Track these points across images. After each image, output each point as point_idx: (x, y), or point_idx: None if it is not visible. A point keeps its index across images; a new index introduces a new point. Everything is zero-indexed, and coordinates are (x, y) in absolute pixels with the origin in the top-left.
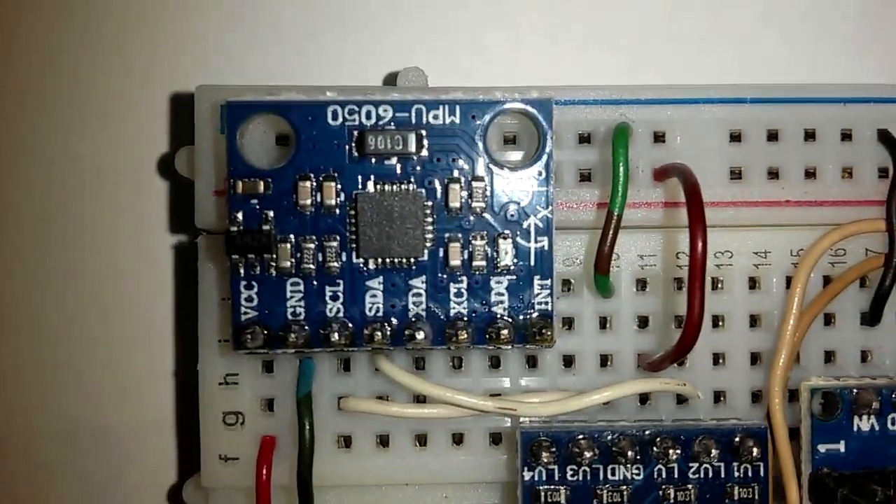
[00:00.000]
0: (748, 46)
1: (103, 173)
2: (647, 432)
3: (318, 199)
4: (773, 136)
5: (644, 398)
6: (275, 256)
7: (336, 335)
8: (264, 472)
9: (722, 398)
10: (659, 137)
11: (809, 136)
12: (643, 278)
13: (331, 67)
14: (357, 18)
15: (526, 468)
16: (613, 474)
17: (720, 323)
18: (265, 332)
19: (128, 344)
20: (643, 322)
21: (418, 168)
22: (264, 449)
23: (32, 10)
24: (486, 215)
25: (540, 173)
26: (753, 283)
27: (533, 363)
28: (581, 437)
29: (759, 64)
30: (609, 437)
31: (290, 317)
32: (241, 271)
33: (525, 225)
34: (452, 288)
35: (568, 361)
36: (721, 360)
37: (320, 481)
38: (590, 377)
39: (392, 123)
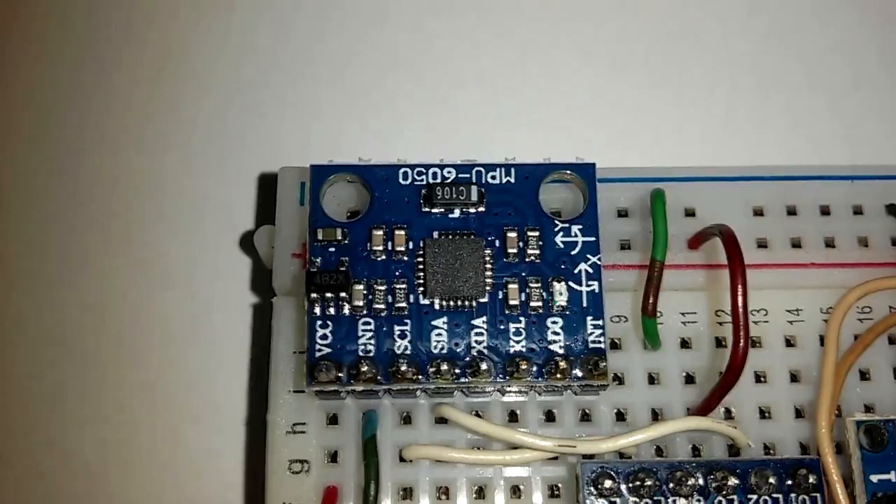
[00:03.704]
0: (767, 130)
1: (193, 239)
2: (703, 466)
3: (390, 246)
4: (791, 211)
5: (696, 449)
6: (348, 296)
7: (405, 367)
8: None
9: (771, 451)
10: (689, 212)
11: (825, 211)
12: (687, 336)
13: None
14: (438, 106)
15: (589, 500)
16: None
17: (763, 378)
18: (338, 368)
19: (204, 393)
20: (689, 378)
21: (479, 220)
22: (328, 498)
23: (132, 90)
24: (541, 262)
25: (588, 225)
26: (789, 342)
27: (586, 417)
28: (640, 469)
29: (776, 146)
30: (668, 471)
31: (361, 353)
32: (318, 310)
33: (576, 270)
34: (511, 327)
35: (620, 415)
36: (767, 414)
37: None
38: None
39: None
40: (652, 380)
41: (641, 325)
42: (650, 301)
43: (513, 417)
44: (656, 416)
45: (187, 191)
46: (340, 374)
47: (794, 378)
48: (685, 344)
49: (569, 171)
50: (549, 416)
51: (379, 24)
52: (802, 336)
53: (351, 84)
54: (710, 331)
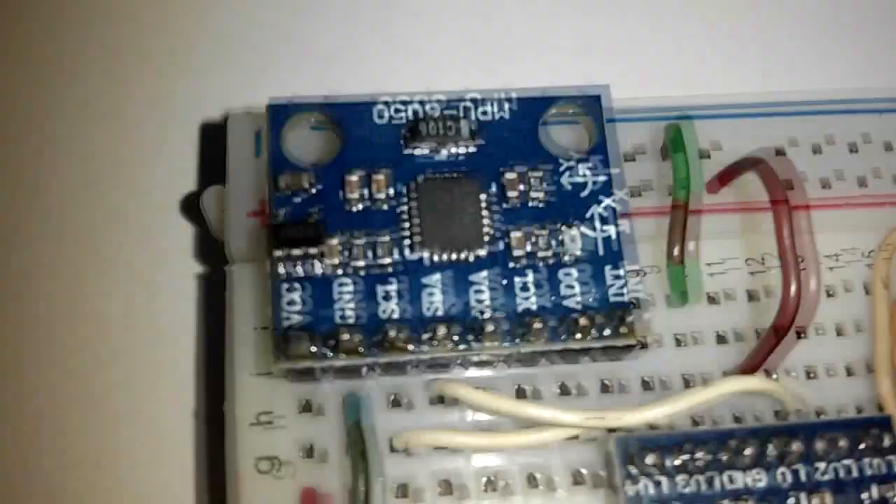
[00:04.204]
0: (795, 58)
1: (126, 206)
2: (760, 432)
3: (367, 193)
4: (817, 149)
5: (737, 420)
6: (321, 253)
7: (393, 332)
8: None
9: (823, 416)
10: (704, 153)
11: (853, 147)
12: (715, 291)
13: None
14: (395, 32)
15: (629, 481)
16: (732, 482)
17: (803, 335)
18: (311, 339)
19: (147, 380)
20: (722, 338)
21: (470, 160)
22: (306, 502)
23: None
24: (547, 206)
25: (600, 161)
26: (829, 292)
27: (607, 388)
28: (687, 440)
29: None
30: (718, 441)
31: (339, 320)
32: (284, 270)
33: (589, 214)
34: (518, 282)
35: (646, 385)
36: (813, 374)
37: None
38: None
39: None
40: (679, 342)
41: (668, 276)
42: (678, 246)
43: (521, 394)
44: (687, 384)
45: (114, 149)
46: (314, 347)
47: (840, 332)
48: (713, 299)
49: (576, 103)
50: (564, 390)
51: None
52: (845, 284)
53: (307, 7)
54: (742, 283)
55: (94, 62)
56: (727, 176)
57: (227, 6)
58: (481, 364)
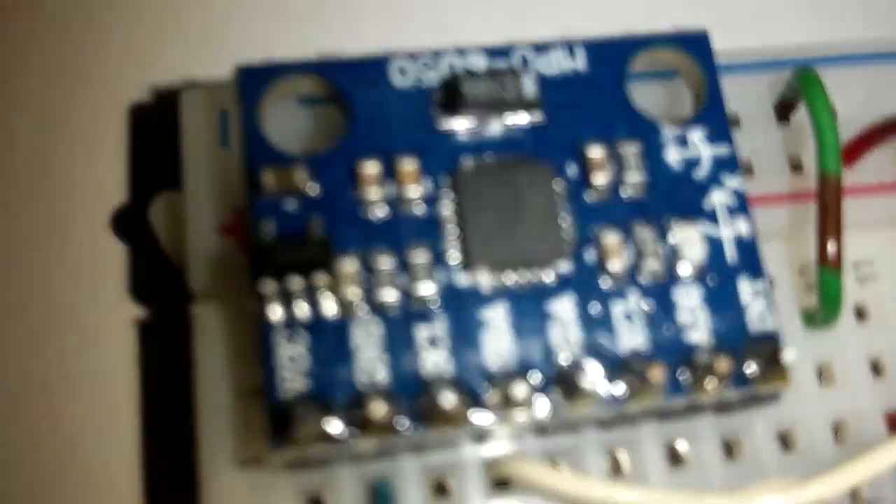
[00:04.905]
0: None
1: (38, 227)
2: None
3: (394, 190)
4: None
5: None
6: (332, 283)
7: (447, 396)
8: None
9: None
10: None
11: None
12: (864, 302)
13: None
14: None
15: None
16: None
17: None
18: (325, 410)
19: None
20: (878, 368)
21: (536, 134)
22: None
23: None
24: (649, 195)
25: (715, 127)
26: None
27: (730, 450)
28: None
29: None
30: None
31: (363, 382)
32: (279, 314)
33: (708, 204)
34: (617, 309)
35: (785, 441)
36: None
37: None
38: (822, 457)
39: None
40: (821, 377)
41: (819, 285)
42: (834, 242)
43: (616, 469)
44: (837, 435)
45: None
46: (332, 427)
47: None
48: (861, 314)
49: (675, 46)
50: (675, 458)
51: None
52: None
53: None
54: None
55: None
56: (856, 150)
57: None
58: (559, 429)
